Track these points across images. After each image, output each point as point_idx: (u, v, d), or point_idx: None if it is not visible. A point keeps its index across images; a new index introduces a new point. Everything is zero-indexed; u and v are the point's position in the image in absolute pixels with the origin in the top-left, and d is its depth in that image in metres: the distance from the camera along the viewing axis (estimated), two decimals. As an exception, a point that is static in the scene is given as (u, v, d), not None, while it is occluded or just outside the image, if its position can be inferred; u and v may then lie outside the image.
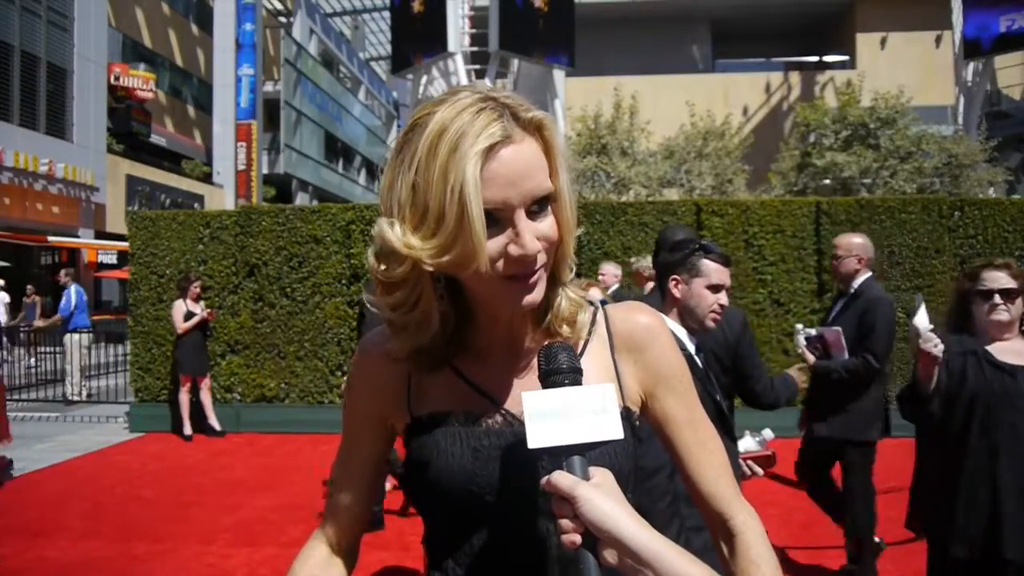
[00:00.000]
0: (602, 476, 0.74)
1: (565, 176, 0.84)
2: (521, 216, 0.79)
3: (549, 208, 0.83)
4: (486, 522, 0.86)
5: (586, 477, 0.73)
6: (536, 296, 0.82)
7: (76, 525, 4.75)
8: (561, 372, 0.78)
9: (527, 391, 0.77)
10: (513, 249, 0.79)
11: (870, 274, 3.86)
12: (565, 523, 0.72)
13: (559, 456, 0.75)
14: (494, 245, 0.79)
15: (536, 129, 0.82)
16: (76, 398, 9.67)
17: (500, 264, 0.79)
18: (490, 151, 0.77)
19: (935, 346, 2.20)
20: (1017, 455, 2.22)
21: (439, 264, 0.79)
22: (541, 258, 0.81)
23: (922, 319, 2.25)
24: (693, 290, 2.10)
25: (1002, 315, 2.32)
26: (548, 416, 0.74)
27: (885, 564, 3.99)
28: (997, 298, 2.32)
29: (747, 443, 2.35)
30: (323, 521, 1.02)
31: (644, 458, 0.99)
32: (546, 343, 0.84)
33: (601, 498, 0.71)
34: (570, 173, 0.87)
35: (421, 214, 0.78)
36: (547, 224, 0.82)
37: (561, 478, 0.72)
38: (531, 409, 0.75)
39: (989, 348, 2.33)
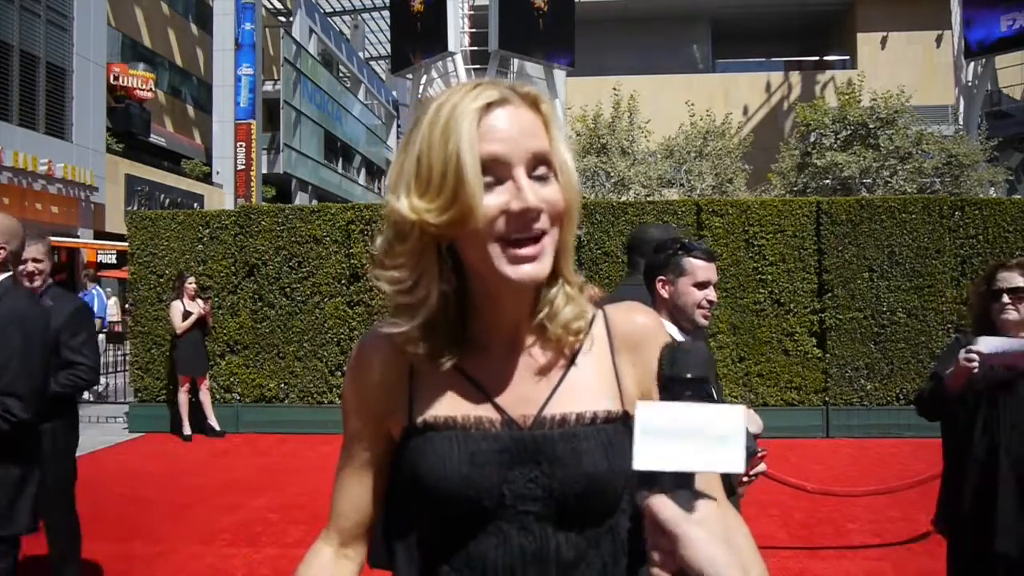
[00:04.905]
0: (707, 510, 0.66)
1: (565, 153, 0.86)
2: (521, 172, 0.80)
3: (552, 177, 0.84)
4: (483, 527, 0.85)
5: (691, 510, 0.65)
6: (538, 268, 0.81)
7: (75, 525, 4.74)
8: (684, 380, 0.69)
9: (642, 401, 0.68)
10: (514, 204, 0.79)
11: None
12: (657, 557, 0.65)
13: (661, 481, 0.66)
14: (494, 202, 0.80)
15: (533, 103, 0.84)
16: (89, 397, 9.73)
17: (501, 223, 0.80)
18: (488, 109, 0.80)
19: (974, 367, 2.22)
20: (1014, 454, 2.24)
21: (441, 224, 0.80)
22: (544, 221, 0.81)
23: (988, 341, 2.24)
24: (680, 289, 2.13)
25: (1010, 314, 2.34)
26: (663, 434, 0.65)
27: (884, 564, 3.99)
28: (1005, 298, 2.34)
29: None
30: (328, 523, 1.01)
31: None
32: (671, 341, 0.78)
33: (707, 541, 0.63)
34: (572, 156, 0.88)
35: (426, 178, 0.81)
36: (551, 190, 0.83)
37: (664, 507, 0.65)
38: (643, 424, 0.65)
39: None
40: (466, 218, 0.79)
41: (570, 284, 0.90)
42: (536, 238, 0.81)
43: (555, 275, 0.88)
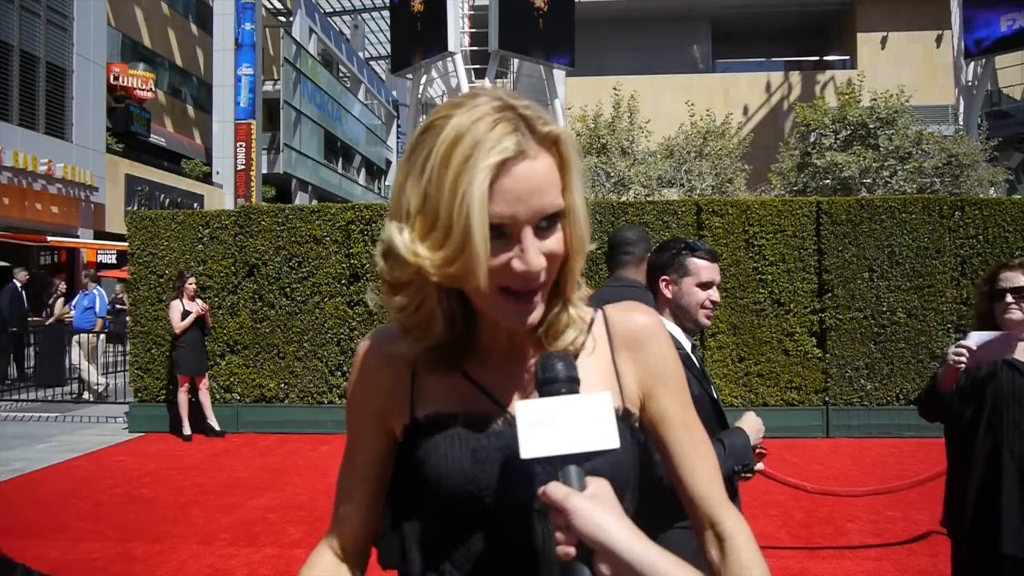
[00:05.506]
0: (597, 486, 0.74)
1: (579, 192, 0.84)
2: (528, 233, 0.79)
3: (559, 224, 0.82)
4: (484, 524, 0.86)
5: (582, 487, 0.72)
6: (535, 316, 0.83)
7: (76, 525, 4.74)
8: (557, 381, 0.78)
9: (521, 400, 0.76)
10: (517, 264, 0.78)
11: None
12: (560, 535, 0.71)
13: (555, 465, 0.74)
14: (498, 259, 0.79)
15: (552, 143, 0.81)
16: (90, 397, 9.73)
17: (502, 278, 0.80)
18: (502, 166, 0.76)
19: (960, 360, 2.22)
20: (1017, 454, 2.24)
21: (443, 275, 0.79)
22: (543, 276, 0.81)
23: (976, 335, 2.26)
24: (683, 289, 2.13)
25: (1014, 314, 2.34)
26: (542, 425, 0.73)
27: (884, 564, 3.99)
28: (1008, 297, 2.35)
29: None
30: (330, 527, 1.01)
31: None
32: (544, 352, 0.84)
33: (594, 510, 0.70)
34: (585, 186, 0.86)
35: (430, 224, 0.78)
36: (554, 240, 0.81)
37: (555, 489, 0.72)
38: (524, 418, 0.74)
39: None
40: (467, 278, 0.78)
41: (574, 306, 0.90)
42: (534, 291, 0.81)
43: (558, 295, 0.88)
